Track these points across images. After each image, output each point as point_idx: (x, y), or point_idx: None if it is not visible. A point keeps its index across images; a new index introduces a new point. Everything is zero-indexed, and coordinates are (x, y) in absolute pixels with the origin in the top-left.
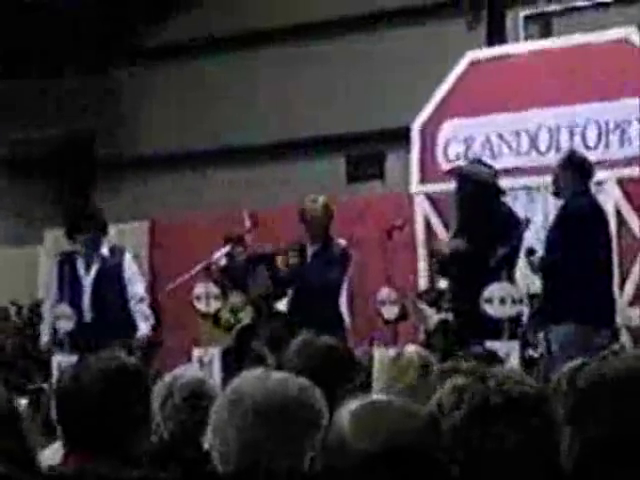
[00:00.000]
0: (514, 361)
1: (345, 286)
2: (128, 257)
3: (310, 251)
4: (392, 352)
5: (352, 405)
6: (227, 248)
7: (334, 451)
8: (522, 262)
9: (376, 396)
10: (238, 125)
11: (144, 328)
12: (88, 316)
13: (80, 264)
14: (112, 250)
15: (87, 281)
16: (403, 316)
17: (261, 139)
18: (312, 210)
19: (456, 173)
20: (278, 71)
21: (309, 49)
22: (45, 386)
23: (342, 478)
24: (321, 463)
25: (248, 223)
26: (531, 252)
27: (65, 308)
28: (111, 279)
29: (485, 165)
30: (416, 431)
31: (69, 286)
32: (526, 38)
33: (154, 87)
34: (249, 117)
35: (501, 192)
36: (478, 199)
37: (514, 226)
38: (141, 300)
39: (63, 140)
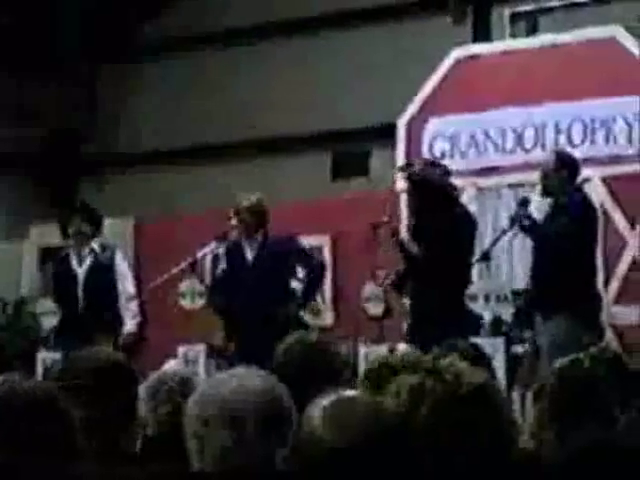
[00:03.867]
0: (500, 358)
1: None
2: (119, 255)
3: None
4: (383, 350)
5: (323, 400)
6: (213, 245)
7: (306, 446)
8: (504, 260)
9: (347, 391)
10: (223, 122)
11: (130, 325)
12: (81, 307)
13: (73, 258)
14: (103, 247)
15: (80, 274)
16: (388, 312)
17: (246, 136)
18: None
19: (407, 178)
20: (262, 68)
21: (293, 46)
22: (14, 376)
23: (314, 473)
24: (293, 459)
25: (234, 220)
26: (485, 257)
27: (49, 304)
28: (102, 275)
29: (437, 166)
30: (385, 425)
31: (64, 279)
32: (512, 36)
33: (139, 85)
34: (233, 114)
35: (453, 194)
36: (428, 204)
37: (469, 226)
38: (130, 298)
39: (47, 137)
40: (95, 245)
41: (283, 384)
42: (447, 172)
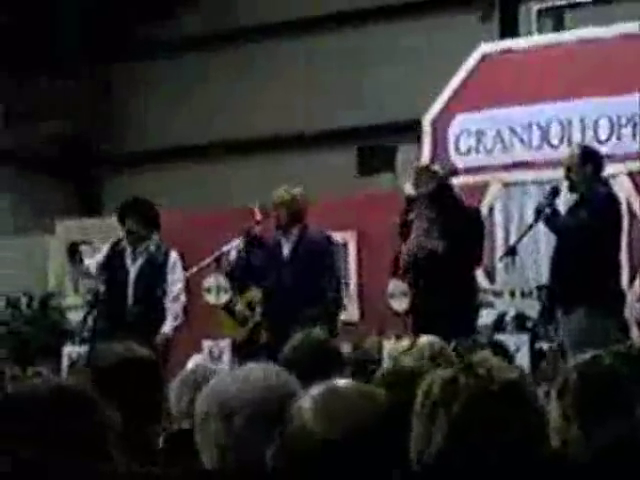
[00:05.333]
0: (524, 354)
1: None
2: (174, 256)
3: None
4: (405, 342)
5: (313, 390)
6: (238, 241)
7: (295, 437)
8: (531, 254)
9: (337, 380)
10: (247, 118)
11: (169, 326)
12: (129, 304)
13: (128, 254)
14: (158, 246)
15: (132, 271)
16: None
17: (271, 132)
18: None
19: (436, 181)
20: (288, 64)
21: (318, 43)
22: (42, 370)
23: (305, 468)
24: (283, 450)
25: (259, 216)
26: (511, 252)
27: (76, 299)
28: (154, 274)
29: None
30: (375, 414)
31: (116, 273)
32: (539, 31)
33: (159, 82)
34: (259, 110)
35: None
36: (448, 206)
37: (481, 225)
38: (175, 299)
39: (67, 135)
40: (151, 243)
41: (296, 380)
42: (453, 170)
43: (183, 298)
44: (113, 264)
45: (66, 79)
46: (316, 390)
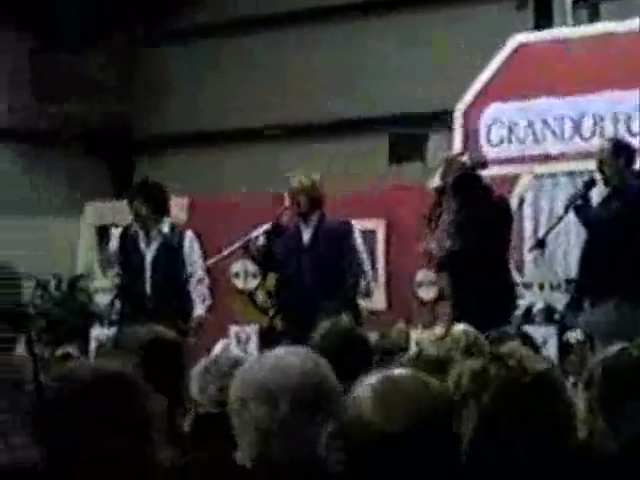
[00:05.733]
0: (552, 346)
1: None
2: (189, 236)
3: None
4: (439, 330)
5: (370, 380)
6: (266, 227)
7: (352, 427)
8: (560, 247)
9: (396, 370)
10: (279, 104)
11: (200, 309)
12: (148, 289)
13: (141, 238)
14: (172, 228)
15: (148, 255)
16: (440, 297)
17: (302, 119)
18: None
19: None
20: (318, 51)
21: (350, 30)
22: (72, 350)
23: (361, 454)
24: (339, 439)
25: (288, 203)
26: (540, 244)
27: (104, 282)
28: (171, 257)
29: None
30: (434, 405)
31: (132, 258)
32: (574, 23)
33: (194, 64)
34: (288, 97)
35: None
36: (475, 198)
37: (509, 216)
38: (200, 281)
39: (101, 116)
40: (164, 226)
41: (328, 364)
42: (483, 163)
43: (207, 278)
44: (127, 248)
45: (97, 59)
46: (373, 379)
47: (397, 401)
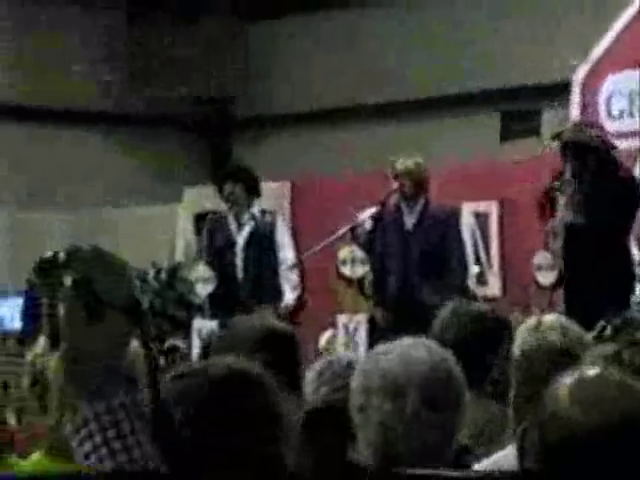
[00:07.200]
0: None
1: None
2: (280, 221)
3: None
4: (532, 320)
5: (565, 379)
6: (373, 209)
7: (552, 428)
8: None
9: (590, 369)
10: (381, 82)
11: (290, 297)
12: (240, 275)
13: (232, 222)
14: (263, 212)
15: (240, 240)
16: (560, 281)
17: (408, 95)
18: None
19: (573, 142)
20: (423, 26)
21: (455, 3)
22: (179, 343)
23: (564, 456)
24: (536, 438)
25: (394, 184)
26: None
27: (204, 270)
28: (262, 241)
29: (592, 128)
30: (633, 405)
31: (223, 245)
32: None
33: (294, 43)
34: (394, 72)
35: (612, 156)
36: (600, 172)
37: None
38: (291, 267)
39: (199, 98)
40: (255, 210)
41: (453, 356)
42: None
43: (298, 265)
44: (216, 236)
45: (199, 36)
46: (569, 377)
47: (600, 398)
